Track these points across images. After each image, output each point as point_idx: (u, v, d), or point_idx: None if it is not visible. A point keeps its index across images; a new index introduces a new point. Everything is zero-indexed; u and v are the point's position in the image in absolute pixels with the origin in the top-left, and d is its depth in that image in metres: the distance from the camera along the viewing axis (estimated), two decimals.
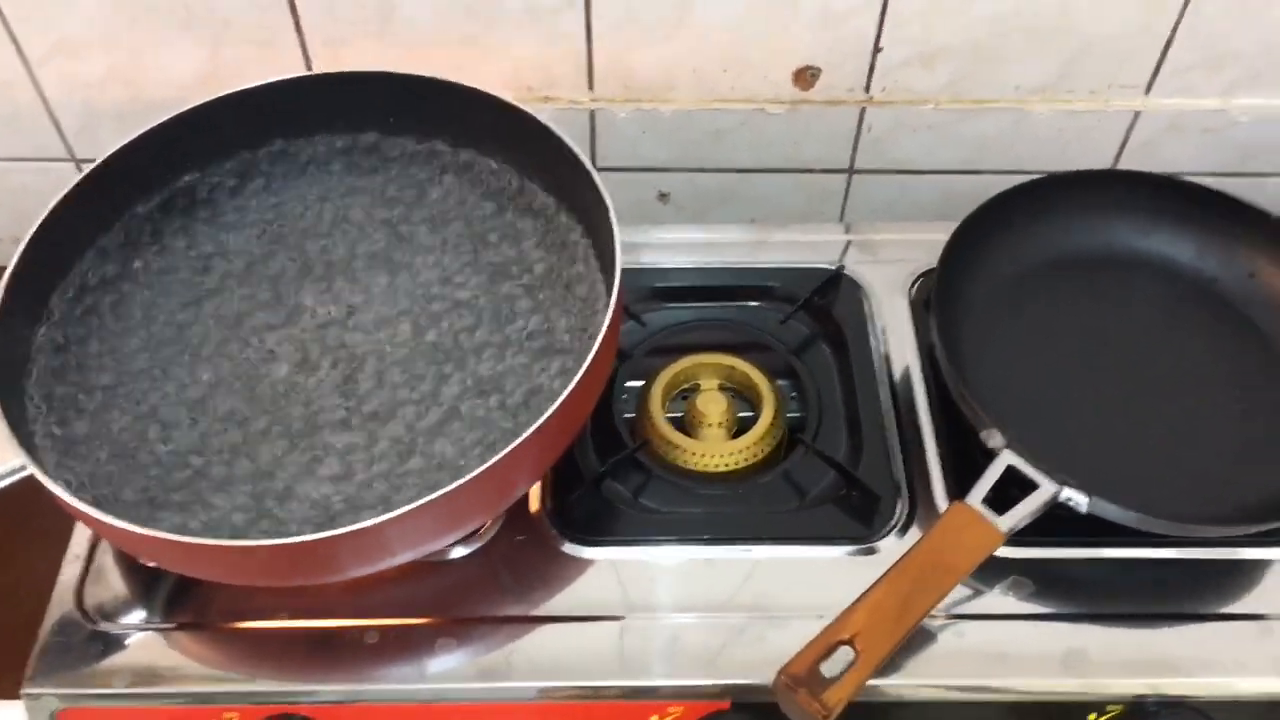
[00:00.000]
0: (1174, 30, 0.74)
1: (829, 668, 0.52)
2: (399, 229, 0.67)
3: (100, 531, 0.55)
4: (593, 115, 0.82)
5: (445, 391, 0.60)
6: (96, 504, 0.52)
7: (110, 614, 0.59)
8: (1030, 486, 0.57)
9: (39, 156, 0.83)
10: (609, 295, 0.57)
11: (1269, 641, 0.57)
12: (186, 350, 0.62)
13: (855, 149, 0.83)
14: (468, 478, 0.50)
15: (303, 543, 0.50)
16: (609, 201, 0.59)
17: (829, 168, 0.85)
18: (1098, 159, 0.83)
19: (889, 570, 0.55)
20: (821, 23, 0.74)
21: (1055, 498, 0.57)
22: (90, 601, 0.59)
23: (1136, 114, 0.80)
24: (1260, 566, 0.60)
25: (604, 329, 0.55)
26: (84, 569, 0.60)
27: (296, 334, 0.63)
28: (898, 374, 0.68)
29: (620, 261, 0.57)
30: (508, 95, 0.77)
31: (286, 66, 0.76)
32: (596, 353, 0.54)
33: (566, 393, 0.52)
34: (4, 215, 0.88)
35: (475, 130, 0.68)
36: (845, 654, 0.52)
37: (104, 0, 0.72)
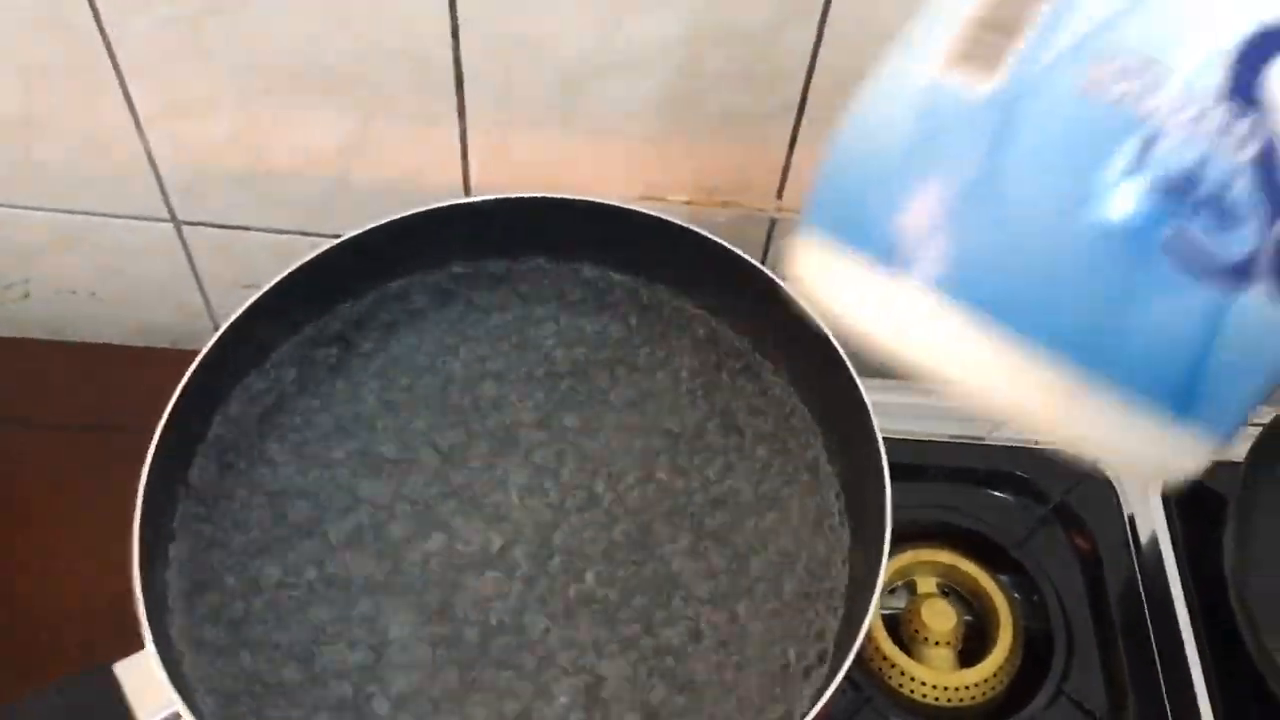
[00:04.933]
0: None
1: None
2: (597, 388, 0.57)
3: None
4: (773, 223, 0.72)
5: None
6: None
7: None
8: None
9: (138, 215, 0.73)
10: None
11: None
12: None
13: None
14: None
15: None
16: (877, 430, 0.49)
17: None
18: None
19: None
20: None
21: None
22: None
23: None
24: None
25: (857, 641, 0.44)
26: None
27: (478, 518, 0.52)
28: (1154, 586, 0.58)
29: (890, 527, 0.45)
30: (683, 196, 0.69)
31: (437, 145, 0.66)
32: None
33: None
34: (92, 269, 0.78)
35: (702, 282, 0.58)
36: None
37: (235, 61, 0.62)
